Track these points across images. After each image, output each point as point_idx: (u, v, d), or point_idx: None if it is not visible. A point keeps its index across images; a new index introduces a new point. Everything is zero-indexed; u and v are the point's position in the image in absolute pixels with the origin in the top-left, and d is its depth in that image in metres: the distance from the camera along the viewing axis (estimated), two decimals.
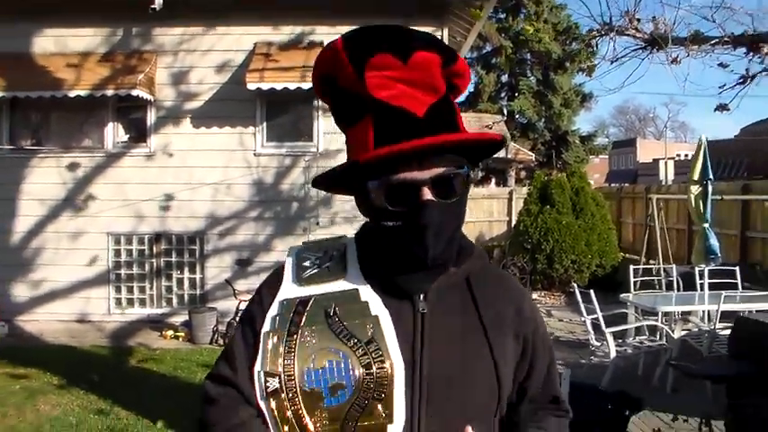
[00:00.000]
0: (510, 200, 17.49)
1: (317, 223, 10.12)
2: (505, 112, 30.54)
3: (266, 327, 1.35)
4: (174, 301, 10.41)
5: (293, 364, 1.29)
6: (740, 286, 8.72)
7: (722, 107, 7.27)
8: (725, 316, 7.10)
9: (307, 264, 1.42)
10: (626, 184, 27.68)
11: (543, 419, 1.50)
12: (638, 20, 7.16)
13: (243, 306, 9.16)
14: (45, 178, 10.21)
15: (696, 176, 8.22)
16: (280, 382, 1.29)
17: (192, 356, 8.50)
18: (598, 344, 7.48)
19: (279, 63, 9.82)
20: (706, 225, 8.10)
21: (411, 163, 1.25)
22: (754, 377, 4.14)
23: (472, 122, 18.78)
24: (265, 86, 9.58)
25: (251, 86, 9.57)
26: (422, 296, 1.37)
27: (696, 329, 7.97)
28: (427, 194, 1.26)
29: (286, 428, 1.29)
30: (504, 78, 31.44)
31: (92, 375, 7.47)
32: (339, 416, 1.28)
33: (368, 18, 9.87)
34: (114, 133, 10.37)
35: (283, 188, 10.26)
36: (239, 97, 9.99)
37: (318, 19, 10.07)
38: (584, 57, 11.12)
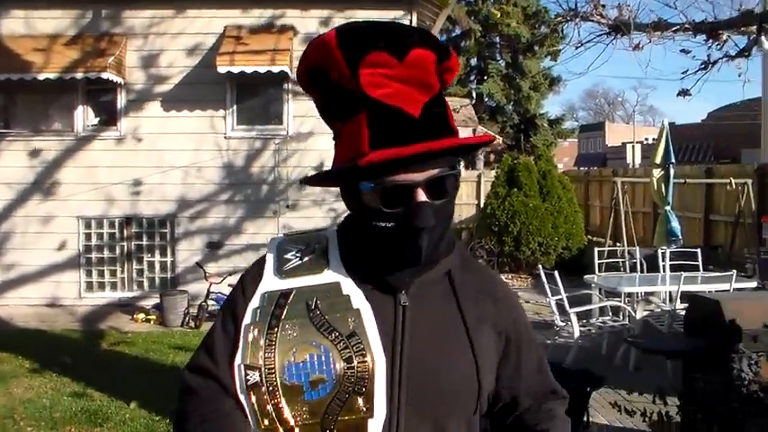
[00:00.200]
0: (479, 183, 17.61)
1: (287, 206, 10.21)
2: (474, 95, 30.69)
3: (247, 319, 1.34)
4: (145, 284, 10.44)
5: (274, 358, 1.29)
6: (702, 268, 8.94)
7: (684, 92, 7.45)
8: (686, 297, 7.29)
9: (288, 256, 1.41)
10: (594, 168, 27.99)
11: (551, 422, 1.48)
12: (603, 6, 7.30)
13: (214, 288, 9.27)
14: (14, 162, 10.17)
15: (658, 160, 8.41)
16: (260, 376, 1.28)
17: (164, 339, 8.56)
18: (563, 324, 7.66)
19: (249, 46, 9.85)
20: (668, 208, 8.29)
21: (409, 166, 1.24)
22: (706, 352, 4.33)
23: None
24: (235, 70, 9.63)
25: (221, 70, 9.60)
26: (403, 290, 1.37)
27: (658, 310, 8.17)
28: (421, 196, 1.26)
29: (266, 422, 1.28)
30: (474, 62, 31.58)
31: (64, 359, 7.51)
32: (320, 410, 1.27)
33: (340, 2, 9.97)
34: (84, 116, 10.34)
35: (253, 171, 10.32)
36: (209, 80, 10.01)
37: (288, 2, 10.12)
38: (553, 41, 11.27)
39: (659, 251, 8.72)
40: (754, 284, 8.22)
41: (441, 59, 1.30)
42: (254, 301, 1.35)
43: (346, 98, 1.28)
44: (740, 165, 17.67)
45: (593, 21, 7.25)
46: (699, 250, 9.23)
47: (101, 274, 10.40)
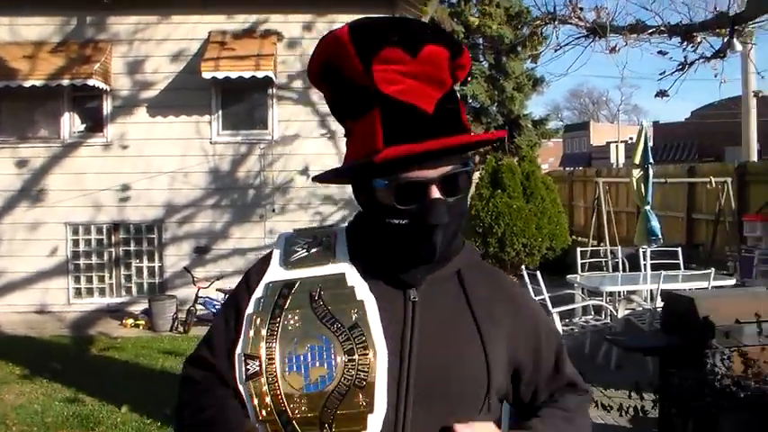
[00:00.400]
0: None
1: (273, 210, 10.28)
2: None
3: (250, 309, 1.33)
4: (134, 289, 10.49)
5: (275, 348, 1.27)
6: (683, 266, 9.09)
7: (662, 93, 7.61)
8: (665, 295, 7.44)
9: (295, 248, 1.41)
10: (579, 168, 28.19)
11: (561, 397, 1.49)
12: (581, 9, 7.44)
13: (202, 293, 9.34)
14: (0, 169, 10.20)
15: (638, 161, 8.57)
16: (260, 366, 1.27)
17: (153, 344, 8.63)
18: None
19: (234, 52, 9.92)
20: (647, 207, 8.45)
21: (423, 162, 1.24)
22: (681, 349, 4.46)
23: None
24: (220, 75, 9.69)
25: (206, 75, 9.67)
26: None
27: (640, 308, 8.30)
28: (435, 193, 1.26)
29: (264, 413, 1.26)
30: None
31: (54, 365, 7.56)
32: (319, 402, 1.24)
33: (322, 6, 10.06)
34: (70, 123, 10.38)
35: (239, 176, 10.39)
36: (195, 86, 10.07)
37: (272, 7, 10.21)
38: (535, 43, 11.38)
39: (641, 250, 8.86)
40: (733, 282, 8.37)
41: (453, 56, 1.31)
42: (258, 292, 1.35)
43: (359, 94, 1.28)
44: (722, 163, 17.86)
45: (571, 24, 7.39)
46: (680, 249, 9.38)
47: (89, 280, 10.43)
